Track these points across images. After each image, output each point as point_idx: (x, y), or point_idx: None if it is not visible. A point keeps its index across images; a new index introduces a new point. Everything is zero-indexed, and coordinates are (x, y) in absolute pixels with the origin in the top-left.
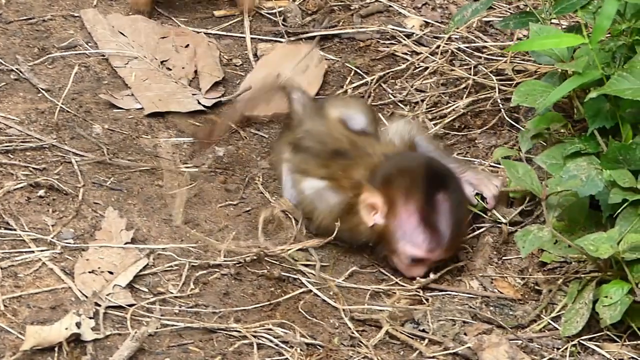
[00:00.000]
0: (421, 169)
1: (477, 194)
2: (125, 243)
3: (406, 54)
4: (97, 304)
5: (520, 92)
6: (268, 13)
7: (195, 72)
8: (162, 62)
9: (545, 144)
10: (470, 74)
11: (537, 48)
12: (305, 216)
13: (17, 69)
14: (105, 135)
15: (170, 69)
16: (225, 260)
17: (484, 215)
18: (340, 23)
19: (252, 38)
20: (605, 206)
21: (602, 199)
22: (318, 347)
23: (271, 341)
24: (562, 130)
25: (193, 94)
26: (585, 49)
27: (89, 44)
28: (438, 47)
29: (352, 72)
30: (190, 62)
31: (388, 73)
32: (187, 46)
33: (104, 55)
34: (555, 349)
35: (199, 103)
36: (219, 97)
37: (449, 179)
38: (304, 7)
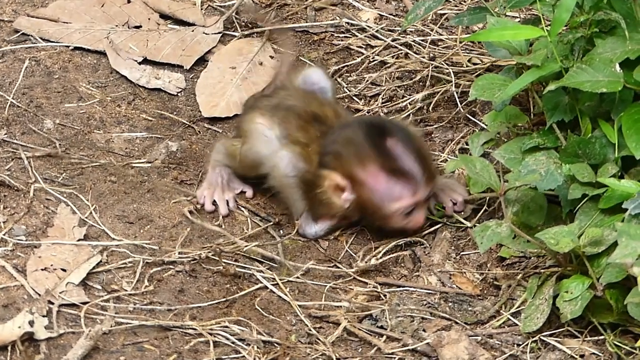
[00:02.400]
0: (357, 130)
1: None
2: (78, 240)
3: (361, 47)
4: (50, 302)
5: (477, 85)
6: (220, 6)
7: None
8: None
9: (502, 138)
10: (425, 67)
11: (495, 39)
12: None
13: None
14: (56, 130)
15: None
16: (179, 257)
17: (442, 221)
18: (294, 16)
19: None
20: (564, 201)
21: (561, 194)
22: (275, 344)
23: (227, 339)
24: (519, 125)
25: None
26: (544, 42)
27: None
28: (393, 40)
29: (307, 66)
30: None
31: (343, 67)
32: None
33: (55, 49)
34: (515, 345)
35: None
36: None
37: (384, 123)
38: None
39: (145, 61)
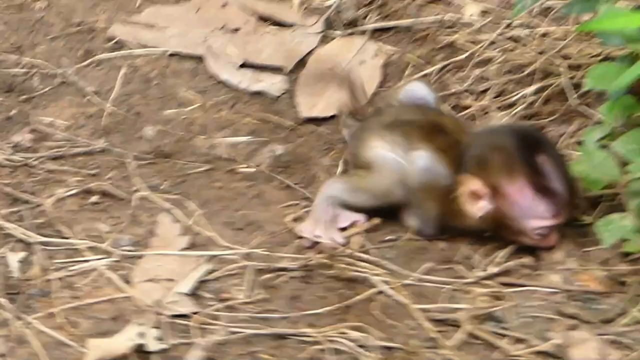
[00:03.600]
0: (511, 138)
1: None
2: (183, 248)
3: (466, 42)
4: (159, 313)
5: (593, 75)
6: (319, 6)
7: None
8: None
9: (619, 130)
10: (534, 60)
11: (607, 27)
12: (414, 197)
13: (62, 72)
14: (157, 137)
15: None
16: (292, 263)
17: None
18: (396, 14)
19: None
20: None
21: None
22: (396, 349)
23: (346, 345)
24: (637, 115)
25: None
26: None
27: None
28: (500, 34)
29: (411, 64)
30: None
31: (449, 63)
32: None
33: (152, 55)
34: None
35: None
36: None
37: (539, 138)
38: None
39: (245, 64)
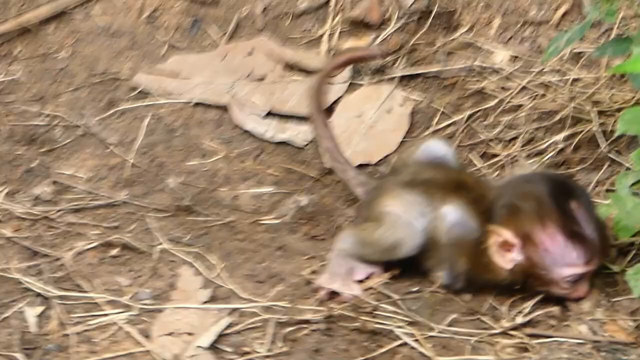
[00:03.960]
0: (541, 186)
1: None
2: (204, 302)
3: (495, 90)
4: None
5: (624, 120)
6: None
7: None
8: None
9: None
10: (564, 107)
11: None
12: (443, 252)
13: (84, 123)
14: (180, 189)
15: None
16: (314, 316)
17: None
18: (424, 61)
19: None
20: None
21: None
22: None
23: None
24: None
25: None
26: None
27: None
28: (529, 82)
29: (439, 112)
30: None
31: (477, 111)
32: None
33: (175, 105)
34: None
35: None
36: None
37: (570, 184)
38: (384, 46)
39: (270, 113)
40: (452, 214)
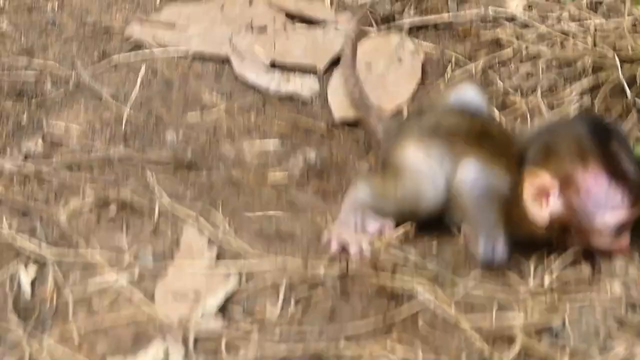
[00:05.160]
0: (578, 127)
1: None
2: (211, 262)
3: (511, 38)
4: (185, 331)
5: None
6: (354, 3)
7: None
8: None
9: None
10: (586, 54)
11: None
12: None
13: (75, 76)
14: (179, 144)
15: None
16: (328, 275)
17: None
18: (435, 9)
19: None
20: None
21: None
22: None
23: None
24: None
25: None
26: None
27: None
28: (547, 30)
29: (453, 61)
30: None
31: (493, 60)
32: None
33: (172, 57)
34: None
35: None
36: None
37: (607, 124)
38: None
39: (274, 65)
40: (473, 168)
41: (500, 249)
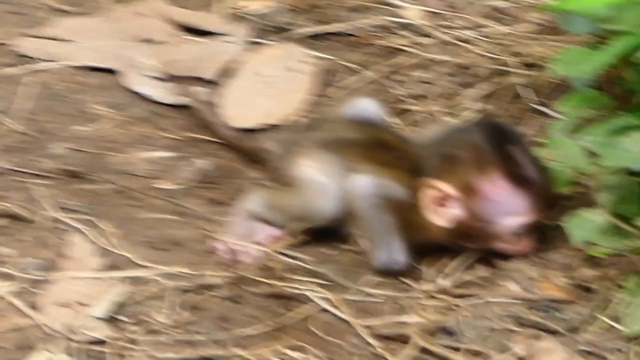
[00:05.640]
0: (476, 133)
1: None
2: (98, 270)
3: (406, 46)
4: (70, 339)
5: (560, 60)
6: (247, 13)
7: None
8: None
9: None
10: (482, 61)
11: (573, 7)
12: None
13: None
14: (67, 155)
15: None
16: (219, 281)
17: None
18: (329, 19)
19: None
20: None
21: None
22: None
23: None
24: (600, 110)
25: None
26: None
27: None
28: (443, 37)
29: (348, 69)
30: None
31: (389, 68)
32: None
33: (60, 70)
34: (618, 351)
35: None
36: None
37: (506, 127)
38: (287, 3)
39: (164, 77)
40: (363, 181)
41: (398, 255)
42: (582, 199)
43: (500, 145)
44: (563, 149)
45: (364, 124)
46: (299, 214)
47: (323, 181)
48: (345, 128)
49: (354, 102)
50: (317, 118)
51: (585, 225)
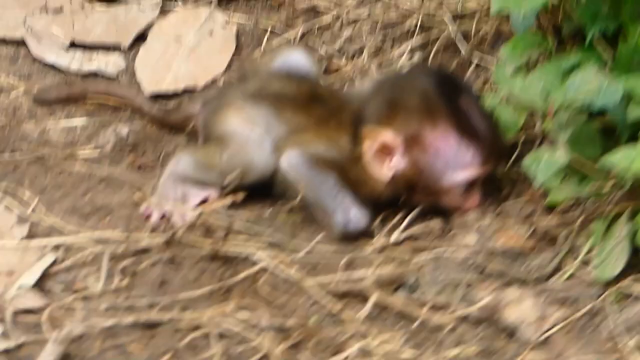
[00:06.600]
0: (425, 79)
1: None
2: (21, 238)
3: (328, 6)
4: (0, 310)
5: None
6: None
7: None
8: None
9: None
10: (411, 16)
11: None
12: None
13: None
14: None
15: None
16: (154, 243)
17: None
18: None
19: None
20: (622, 125)
21: (618, 116)
22: (295, 328)
23: (230, 330)
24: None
25: None
26: None
27: None
28: None
29: (268, 32)
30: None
31: (312, 29)
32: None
33: None
34: (591, 298)
35: None
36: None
37: (453, 78)
38: None
39: (74, 45)
40: (295, 156)
41: (355, 213)
42: (534, 145)
43: (451, 95)
44: (515, 88)
45: (296, 76)
46: (232, 169)
47: (255, 133)
48: (275, 80)
49: (284, 54)
50: (245, 72)
51: (547, 166)
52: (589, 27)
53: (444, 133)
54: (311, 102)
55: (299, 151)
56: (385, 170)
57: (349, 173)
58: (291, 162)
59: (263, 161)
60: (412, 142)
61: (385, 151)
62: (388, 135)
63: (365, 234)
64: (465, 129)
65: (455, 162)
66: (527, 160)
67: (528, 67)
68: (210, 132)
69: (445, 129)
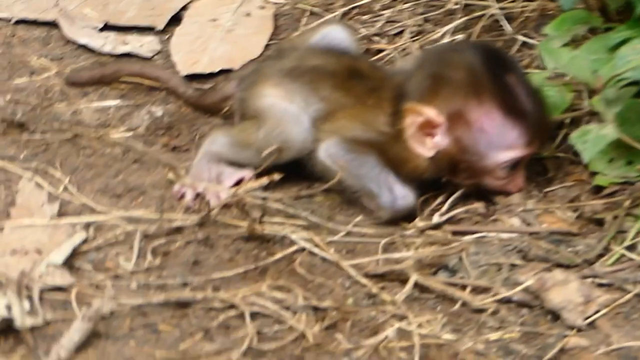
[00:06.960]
0: (471, 55)
1: None
2: (52, 217)
3: None
4: (28, 286)
5: None
6: None
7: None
8: None
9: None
10: None
11: None
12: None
13: None
14: (9, 107)
15: None
16: (188, 224)
17: None
18: None
19: None
20: None
21: None
22: (331, 309)
23: (266, 309)
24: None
25: None
26: None
27: None
28: None
29: (308, 13)
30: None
31: (352, 8)
32: None
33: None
34: (638, 283)
35: None
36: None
37: (502, 54)
38: None
39: (107, 27)
40: (334, 144)
41: (401, 191)
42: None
43: (497, 72)
44: (562, 63)
45: (335, 52)
46: (269, 145)
47: (291, 108)
48: (315, 56)
49: (324, 30)
50: (283, 47)
51: (595, 142)
52: (638, 1)
53: (490, 111)
54: (350, 78)
55: (336, 139)
56: (427, 148)
57: (389, 152)
58: (330, 151)
59: (301, 137)
60: (455, 120)
61: (427, 128)
62: (431, 112)
63: (412, 215)
64: (512, 107)
65: (500, 141)
66: (575, 136)
67: (575, 45)
68: (246, 108)
69: (490, 107)
